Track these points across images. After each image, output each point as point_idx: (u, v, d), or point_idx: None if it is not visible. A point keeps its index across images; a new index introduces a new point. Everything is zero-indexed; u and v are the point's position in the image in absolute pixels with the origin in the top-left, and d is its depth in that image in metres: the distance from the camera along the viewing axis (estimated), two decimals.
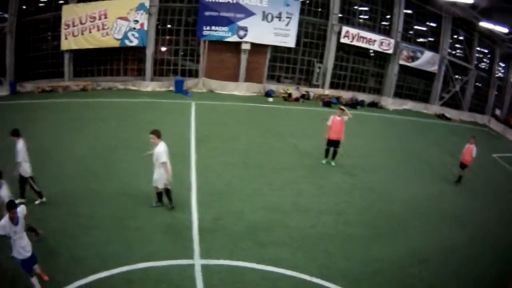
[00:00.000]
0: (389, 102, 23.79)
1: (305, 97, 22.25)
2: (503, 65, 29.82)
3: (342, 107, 13.19)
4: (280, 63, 22.84)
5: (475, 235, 10.74)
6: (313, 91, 22.81)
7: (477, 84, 28.38)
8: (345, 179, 12.22)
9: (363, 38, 23.22)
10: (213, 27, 20.86)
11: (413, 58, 24.73)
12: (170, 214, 8.83)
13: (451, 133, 20.87)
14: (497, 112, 30.80)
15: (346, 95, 23.26)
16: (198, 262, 7.35)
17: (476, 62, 27.42)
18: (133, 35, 19.80)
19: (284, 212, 9.63)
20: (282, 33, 21.75)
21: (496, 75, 29.37)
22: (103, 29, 19.24)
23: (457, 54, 27.05)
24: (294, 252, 8.13)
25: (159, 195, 8.94)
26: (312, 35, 22.78)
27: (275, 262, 7.63)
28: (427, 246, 9.59)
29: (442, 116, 24.59)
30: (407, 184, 12.89)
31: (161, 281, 6.75)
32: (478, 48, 27.48)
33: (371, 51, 24.19)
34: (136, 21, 19.62)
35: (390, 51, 24.03)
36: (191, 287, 6.70)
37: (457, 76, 27.10)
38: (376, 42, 23.62)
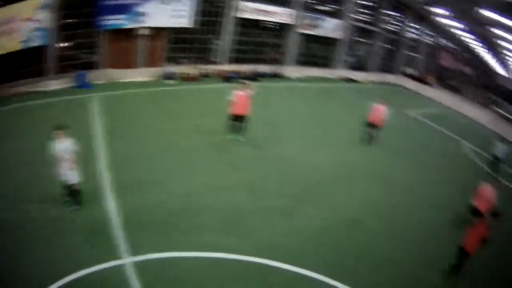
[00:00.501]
0: (292, 71, 24.00)
1: (203, 75, 22.04)
2: (416, 26, 31.27)
3: (244, 81, 13.11)
4: (179, 44, 22.31)
5: (402, 192, 11.14)
6: (212, 68, 22.55)
7: (387, 46, 29.63)
8: (256, 153, 12.10)
9: (263, 11, 23.32)
10: (111, 16, 20.27)
11: (315, 26, 25.43)
12: (86, 214, 8.02)
13: (360, 94, 21.48)
14: (410, 71, 32.45)
15: (247, 68, 23.13)
16: (128, 260, 6.84)
17: (385, 25, 28.52)
18: (36, 35, 18.94)
19: (199, 195, 9.36)
20: (179, 14, 21.26)
21: (408, 36, 30.75)
22: (9, 34, 18.23)
23: (364, 18, 27.98)
24: (218, 233, 7.95)
25: (73, 193, 8.11)
26: (210, 13, 22.51)
27: (204, 247, 7.43)
28: (355, 208, 9.75)
29: (349, 80, 25.36)
30: (322, 151, 13.01)
31: None
32: (388, 12, 28.55)
33: (271, 23, 24.33)
34: (39, 20, 18.77)
35: (291, 22, 24.39)
36: None
37: (363, 40, 28.17)
38: (277, 14, 23.84)
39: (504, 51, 23.19)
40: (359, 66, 28.03)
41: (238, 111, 12.24)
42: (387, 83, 28.19)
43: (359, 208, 9.93)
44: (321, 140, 14.20)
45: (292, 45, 24.11)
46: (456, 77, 37.84)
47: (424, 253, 8.61)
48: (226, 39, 22.57)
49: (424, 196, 11.39)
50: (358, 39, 27.78)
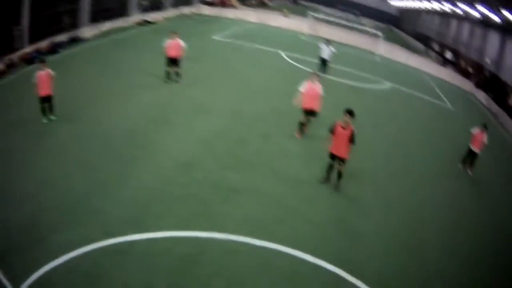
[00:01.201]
0: (87, 31, 19.81)
1: (10, 65, 17.12)
2: None
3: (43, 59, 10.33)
4: None
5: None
6: (17, 56, 15.22)
7: None
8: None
9: None
10: None
11: None
12: None
13: (155, 34, 20.17)
14: None
15: (43, 44, 17.26)
16: None
17: None
18: None
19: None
20: None
21: None
22: None
23: None
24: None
25: None
26: None
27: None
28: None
29: (144, 23, 23.22)
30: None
31: None
32: None
33: None
34: None
35: None
36: None
37: None
38: None
39: None
40: (154, 6, 25.76)
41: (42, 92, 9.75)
42: (184, 16, 27.71)
43: None
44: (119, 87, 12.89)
45: (84, 4, 19.48)
46: None
47: None
48: (24, 22, 16.00)
49: None
50: None
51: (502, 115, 23.94)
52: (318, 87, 11.32)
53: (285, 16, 37.28)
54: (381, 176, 10.66)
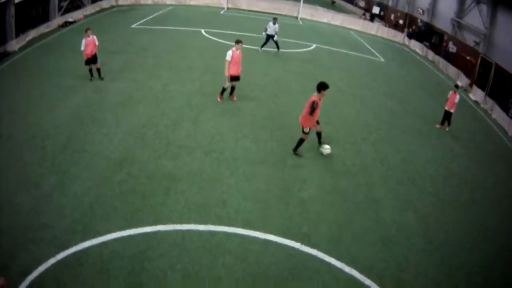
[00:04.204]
0: (13, 44, 17.97)
1: None
2: None
3: None
4: None
5: None
6: None
7: None
8: None
9: None
10: None
11: None
12: None
13: (76, 32, 19.29)
14: None
15: None
16: None
17: None
18: None
19: None
20: None
21: None
22: None
23: None
24: None
25: None
26: None
27: None
28: None
29: (66, 24, 22.23)
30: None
31: None
32: None
33: None
34: None
35: None
36: None
37: None
38: None
39: None
40: (74, 6, 24.41)
41: None
42: (104, 10, 27.14)
43: None
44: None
45: (8, 18, 17.61)
46: None
47: None
48: None
49: None
50: None
51: (441, 61, 25.42)
52: (240, 55, 12.25)
53: None
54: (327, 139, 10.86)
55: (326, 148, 10.30)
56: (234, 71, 12.34)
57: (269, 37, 19.57)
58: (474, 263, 7.43)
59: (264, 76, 16.02)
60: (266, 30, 19.67)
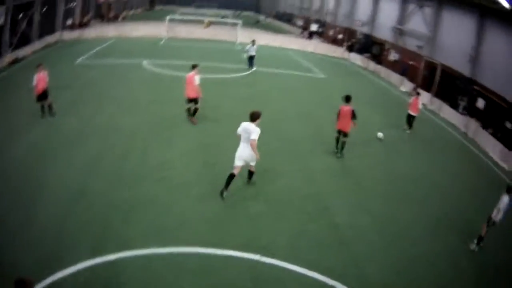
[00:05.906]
0: None
1: None
2: None
3: None
4: None
5: None
6: None
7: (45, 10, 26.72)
8: None
9: None
10: None
11: None
12: None
13: (25, 69, 19.63)
14: (69, 22, 31.80)
15: None
16: None
17: None
18: None
19: None
20: None
21: None
22: None
23: None
24: None
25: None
26: None
27: None
28: None
29: (13, 62, 21.81)
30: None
31: None
32: None
33: None
34: None
35: None
36: None
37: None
38: None
39: None
40: (21, 41, 23.96)
41: None
42: (49, 45, 27.26)
43: None
44: None
45: None
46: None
47: None
48: None
49: None
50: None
51: (383, 70, 26.50)
52: (197, 78, 13.65)
53: (206, 27, 37.33)
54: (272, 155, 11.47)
55: (380, 135, 14.02)
56: (192, 94, 13.87)
57: (252, 57, 22.13)
58: (431, 251, 8.37)
59: (205, 102, 16.35)
60: (247, 51, 22.08)
